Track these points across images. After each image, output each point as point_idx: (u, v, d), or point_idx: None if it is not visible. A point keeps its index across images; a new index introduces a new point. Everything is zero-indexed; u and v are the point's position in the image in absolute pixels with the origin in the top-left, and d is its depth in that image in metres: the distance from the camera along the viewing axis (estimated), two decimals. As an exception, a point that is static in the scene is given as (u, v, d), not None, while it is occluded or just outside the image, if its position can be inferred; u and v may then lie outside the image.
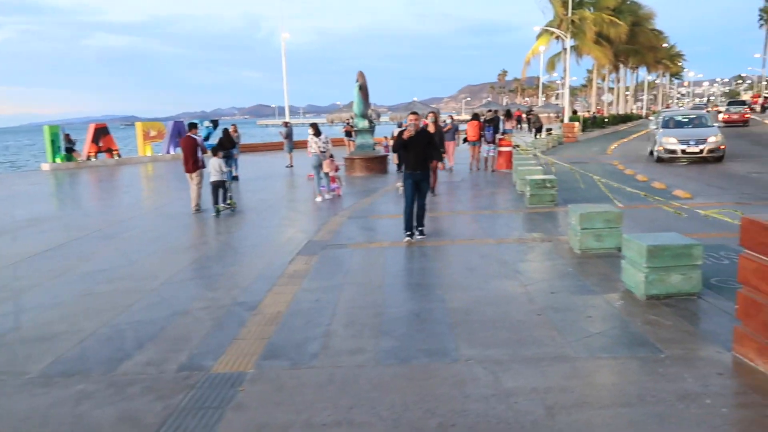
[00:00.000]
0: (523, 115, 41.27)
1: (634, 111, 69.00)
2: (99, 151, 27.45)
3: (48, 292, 6.51)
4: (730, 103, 44.09)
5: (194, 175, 11.77)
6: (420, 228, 8.31)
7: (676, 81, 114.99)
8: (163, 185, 19.25)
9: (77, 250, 8.63)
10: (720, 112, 40.74)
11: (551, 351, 4.35)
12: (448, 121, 18.26)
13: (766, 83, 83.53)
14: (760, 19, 56.60)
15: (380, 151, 18.83)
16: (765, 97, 71.48)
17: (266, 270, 7.08)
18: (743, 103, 45.05)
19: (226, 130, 16.55)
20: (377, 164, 17.41)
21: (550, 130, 29.83)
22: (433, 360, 4.30)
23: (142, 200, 15.21)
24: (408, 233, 8.15)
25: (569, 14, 34.56)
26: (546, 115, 60.57)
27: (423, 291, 6.02)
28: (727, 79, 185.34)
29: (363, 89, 17.69)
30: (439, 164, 11.55)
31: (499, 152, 17.28)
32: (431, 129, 11.84)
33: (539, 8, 35.70)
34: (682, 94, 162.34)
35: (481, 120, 17.75)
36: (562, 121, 36.95)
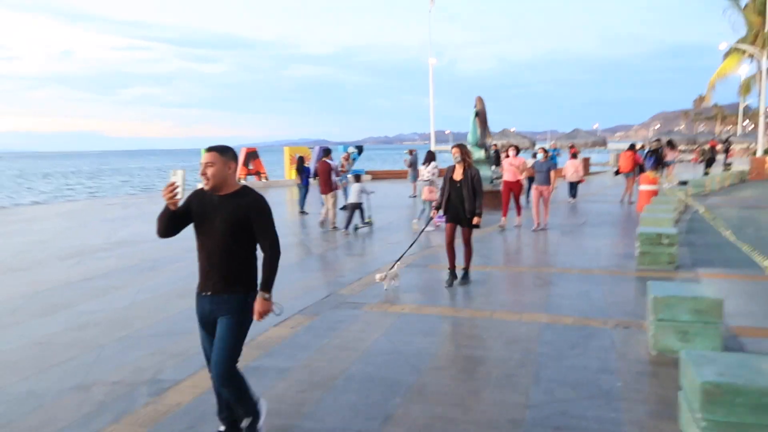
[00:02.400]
0: (718, 146, 35.42)
1: None
2: (249, 173, 28.96)
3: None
4: None
5: (328, 196, 12.91)
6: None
7: None
8: (287, 209, 19.24)
9: (101, 284, 8.25)
10: None
11: None
12: (539, 155, 13.41)
13: None
14: None
15: (498, 184, 16.75)
16: None
17: (241, 332, 5.87)
18: None
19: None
20: (491, 199, 15.44)
21: (729, 164, 24.94)
22: None
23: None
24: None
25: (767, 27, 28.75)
26: (745, 145, 52.26)
27: (378, 393, 4.33)
28: None
29: (480, 116, 15.98)
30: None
31: (639, 191, 14.36)
32: (457, 172, 7.27)
33: (729, 23, 30.33)
34: None
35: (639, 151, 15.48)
36: (754, 153, 31.01)
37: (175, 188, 3.21)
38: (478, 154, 16.21)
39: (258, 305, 3.39)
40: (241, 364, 4.86)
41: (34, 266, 9.76)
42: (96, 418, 4.06)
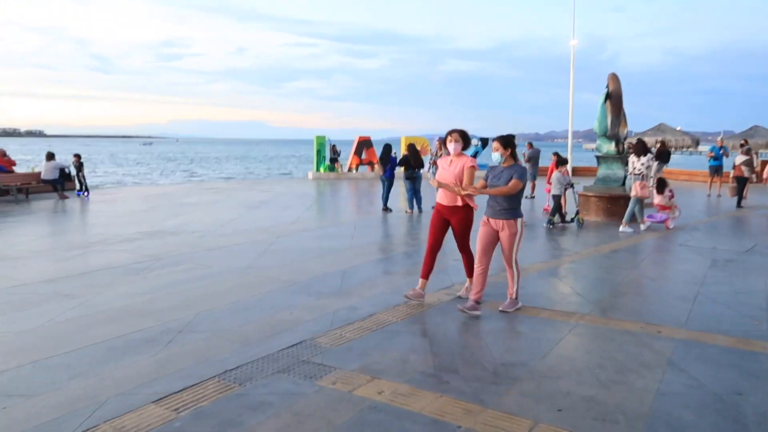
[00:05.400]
0: None
1: None
2: (360, 163, 27.20)
3: None
4: None
5: None
6: None
7: None
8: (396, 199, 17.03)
9: (53, 289, 6.48)
10: None
11: None
12: (496, 154, 5.64)
13: None
14: None
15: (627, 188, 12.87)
16: None
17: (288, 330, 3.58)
18: None
19: (411, 146, 13.35)
20: (620, 206, 11.84)
21: None
22: None
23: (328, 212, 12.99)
24: None
25: None
26: None
27: None
28: None
29: (613, 98, 12.34)
30: None
31: None
32: None
33: None
34: None
35: None
36: None
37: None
38: (607, 147, 12.59)
39: None
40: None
41: (32, 256, 8.40)
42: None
